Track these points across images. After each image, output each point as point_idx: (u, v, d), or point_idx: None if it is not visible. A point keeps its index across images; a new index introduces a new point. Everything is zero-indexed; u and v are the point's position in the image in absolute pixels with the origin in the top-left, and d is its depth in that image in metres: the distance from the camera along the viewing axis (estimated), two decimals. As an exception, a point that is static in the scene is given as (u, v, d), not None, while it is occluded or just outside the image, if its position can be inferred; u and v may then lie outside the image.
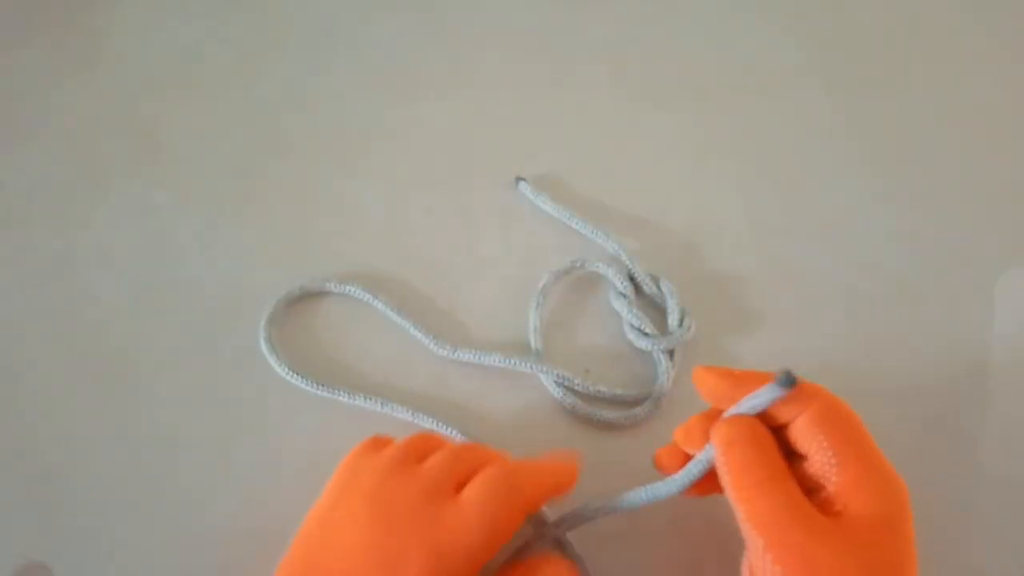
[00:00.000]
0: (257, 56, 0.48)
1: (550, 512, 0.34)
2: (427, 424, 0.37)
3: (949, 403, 0.38)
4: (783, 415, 0.29)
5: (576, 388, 0.38)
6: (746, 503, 0.28)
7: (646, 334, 0.39)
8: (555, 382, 0.38)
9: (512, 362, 0.38)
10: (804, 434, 0.28)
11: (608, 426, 0.38)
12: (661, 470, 0.32)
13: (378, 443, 0.33)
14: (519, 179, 0.44)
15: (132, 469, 0.37)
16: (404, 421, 0.37)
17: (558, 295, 0.41)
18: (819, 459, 0.28)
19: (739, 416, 0.29)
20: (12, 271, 0.42)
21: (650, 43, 0.49)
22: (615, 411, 0.38)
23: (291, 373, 0.38)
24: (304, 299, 0.41)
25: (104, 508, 0.36)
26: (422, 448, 0.32)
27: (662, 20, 0.50)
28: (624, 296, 0.40)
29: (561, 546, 0.34)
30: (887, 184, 0.44)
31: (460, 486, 0.30)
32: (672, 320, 0.39)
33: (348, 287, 0.41)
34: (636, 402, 0.38)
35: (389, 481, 0.30)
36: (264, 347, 0.39)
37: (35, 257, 0.42)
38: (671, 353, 0.39)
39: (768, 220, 0.43)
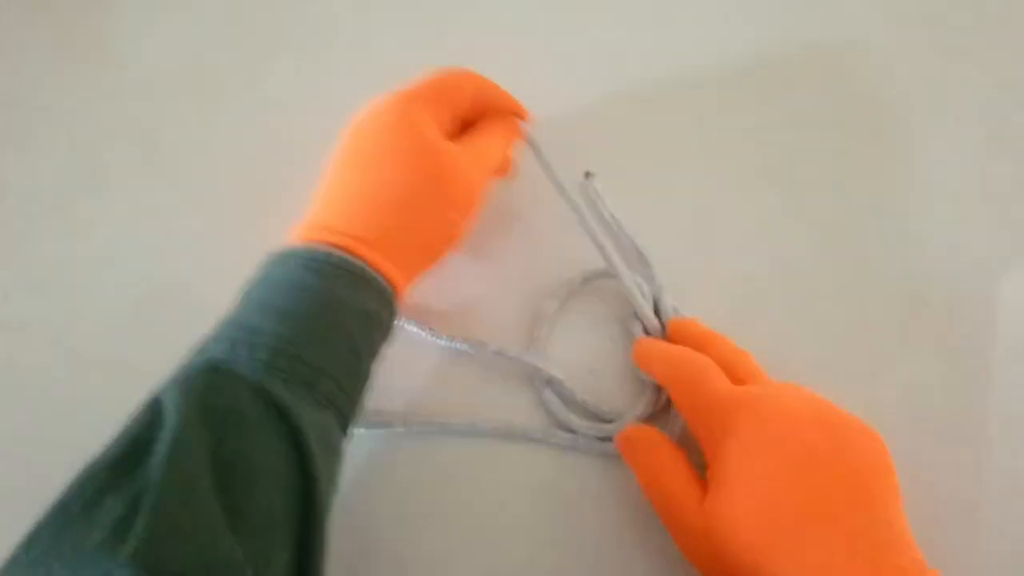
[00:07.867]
0: (259, 56, 0.48)
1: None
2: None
3: (950, 403, 0.38)
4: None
5: (562, 389, 0.38)
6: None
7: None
8: (542, 378, 0.38)
9: (509, 352, 0.38)
10: None
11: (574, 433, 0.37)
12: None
13: None
14: (588, 174, 0.43)
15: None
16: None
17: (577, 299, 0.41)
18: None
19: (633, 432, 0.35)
20: (13, 272, 0.42)
21: (649, 43, 0.49)
22: (586, 421, 0.37)
23: None
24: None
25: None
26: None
27: (661, 20, 0.50)
28: (640, 322, 0.39)
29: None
30: (888, 183, 0.44)
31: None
32: None
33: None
34: (609, 420, 0.38)
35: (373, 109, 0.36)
36: None
37: (36, 258, 0.42)
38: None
39: (769, 223, 0.43)
